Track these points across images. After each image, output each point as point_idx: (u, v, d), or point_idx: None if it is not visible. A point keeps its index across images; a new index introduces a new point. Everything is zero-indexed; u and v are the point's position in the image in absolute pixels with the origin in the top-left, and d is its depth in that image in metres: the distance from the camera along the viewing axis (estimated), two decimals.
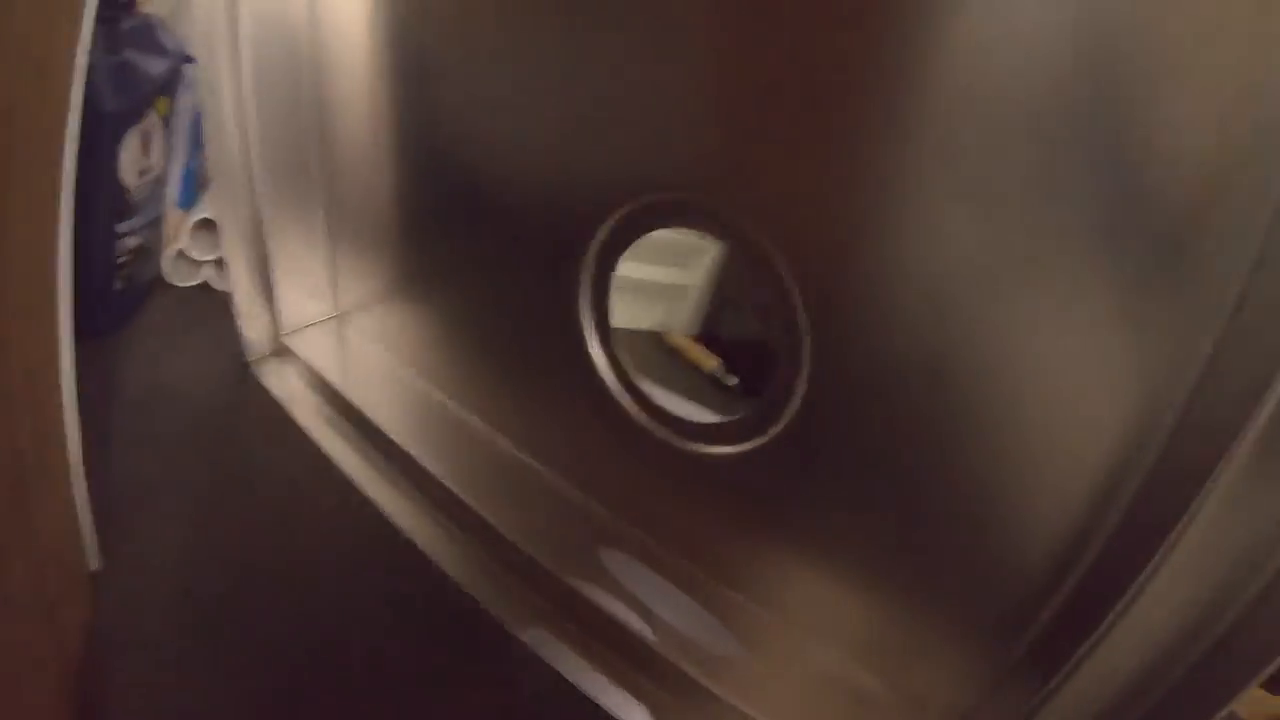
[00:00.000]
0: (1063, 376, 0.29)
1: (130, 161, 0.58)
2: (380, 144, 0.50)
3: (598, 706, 0.34)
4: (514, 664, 0.35)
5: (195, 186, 0.72)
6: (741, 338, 0.67)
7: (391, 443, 0.48)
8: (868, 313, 0.33)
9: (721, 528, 0.40)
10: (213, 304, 0.65)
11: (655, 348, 0.67)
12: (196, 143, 0.69)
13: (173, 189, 0.70)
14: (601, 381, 0.42)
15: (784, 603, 0.39)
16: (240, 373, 0.58)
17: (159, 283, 0.68)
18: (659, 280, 0.65)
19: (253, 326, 0.58)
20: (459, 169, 0.47)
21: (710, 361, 0.65)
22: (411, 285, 0.54)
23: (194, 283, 0.70)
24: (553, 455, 0.46)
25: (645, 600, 0.38)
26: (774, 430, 0.36)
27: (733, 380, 0.64)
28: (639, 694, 0.35)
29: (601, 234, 0.40)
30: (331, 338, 0.59)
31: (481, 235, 0.47)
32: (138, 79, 0.58)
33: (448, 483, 0.45)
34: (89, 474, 0.38)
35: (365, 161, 0.51)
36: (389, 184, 0.51)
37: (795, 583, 0.38)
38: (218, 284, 0.68)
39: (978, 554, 0.32)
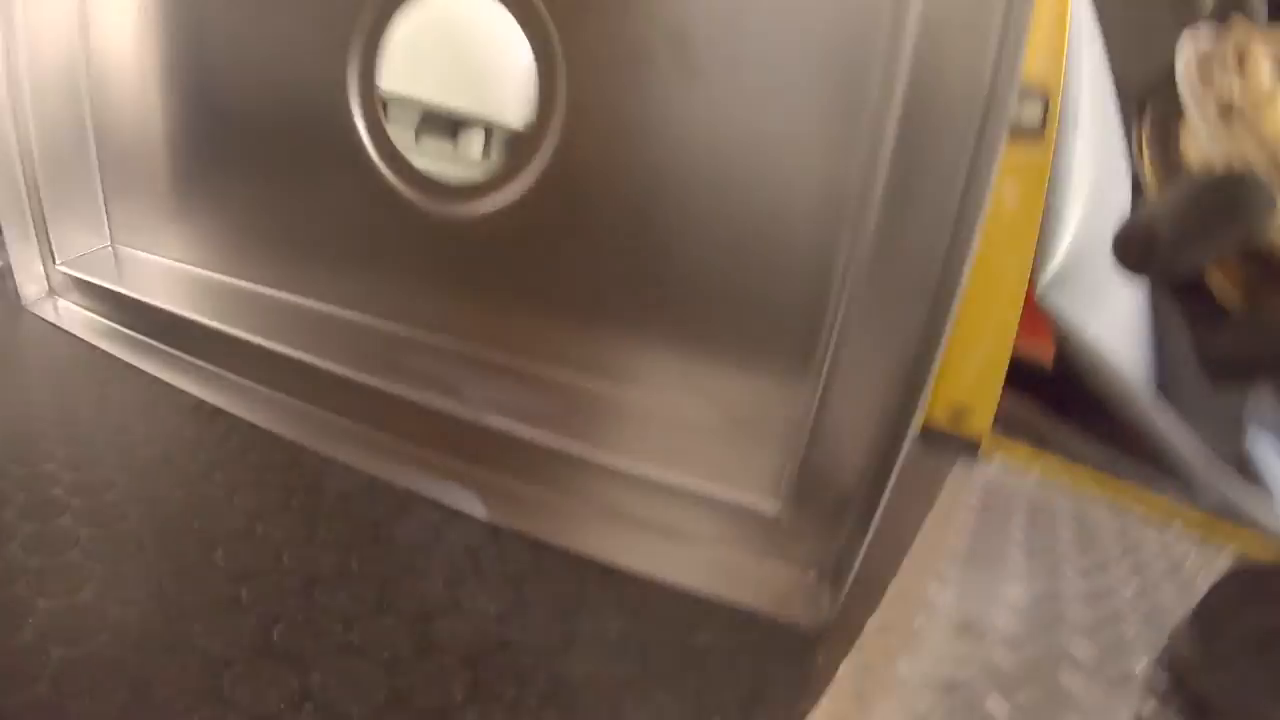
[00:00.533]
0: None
1: None
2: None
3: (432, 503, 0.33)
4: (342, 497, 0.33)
5: None
6: None
7: (191, 324, 0.45)
8: (621, 53, 0.33)
9: (507, 297, 0.38)
10: None
11: None
12: None
13: None
14: (372, 165, 0.40)
15: (583, 361, 0.38)
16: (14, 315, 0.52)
17: None
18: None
19: (26, 267, 0.53)
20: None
21: None
22: (187, 186, 0.51)
23: None
24: (347, 285, 0.44)
25: (455, 384, 0.36)
26: (528, 179, 0.36)
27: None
28: (463, 479, 0.34)
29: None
30: (109, 262, 0.55)
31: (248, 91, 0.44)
32: None
33: (252, 339, 0.42)
34: None
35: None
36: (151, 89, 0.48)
37: (587, 342, 0.37)
38: None
39: (747, 287, 0.33)
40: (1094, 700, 0.30)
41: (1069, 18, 0.58)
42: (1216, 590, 0.36)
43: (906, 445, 0.27)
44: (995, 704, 0.27)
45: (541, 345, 0.37)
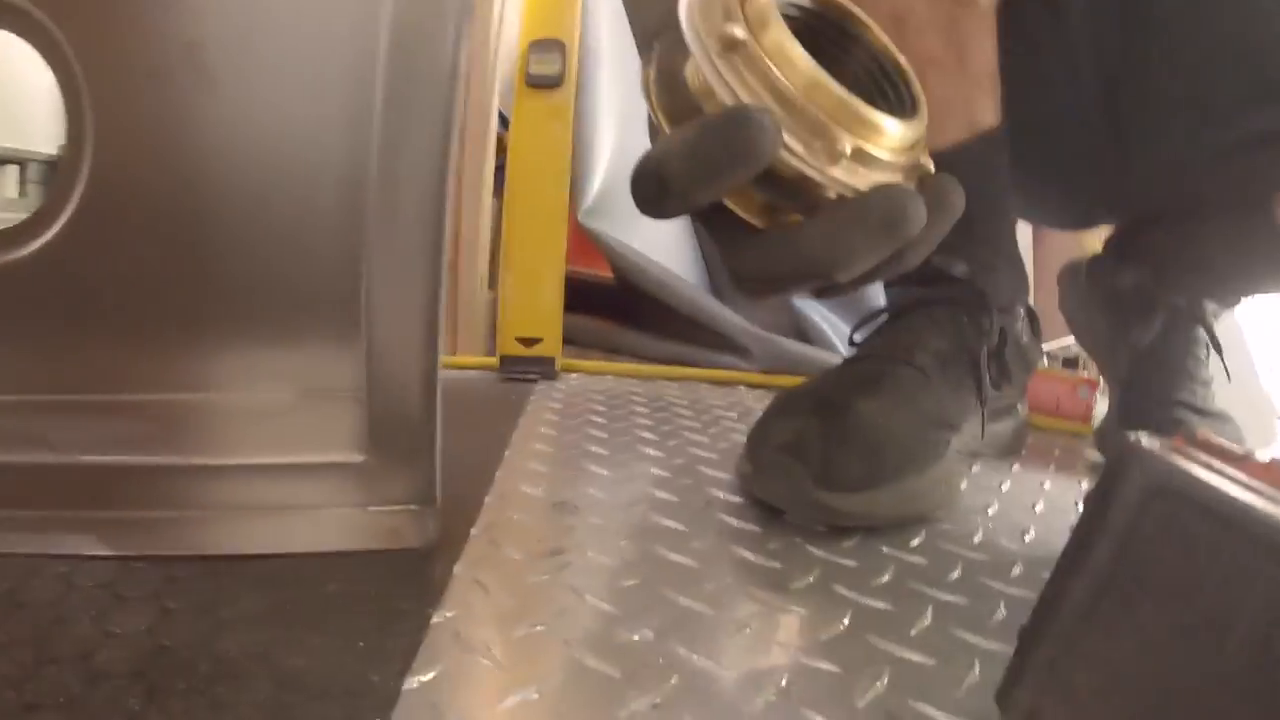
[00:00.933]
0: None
1: None
2: None
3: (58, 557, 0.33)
4: None
5: None
6: None
7: None
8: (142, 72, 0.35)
9: (73, 333, 0.38)
10: None
11: None
12: None
13: None
14: None
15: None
16: None
17: None
18: None
19: None
20: None
21: None
22: None
23: None
24: None
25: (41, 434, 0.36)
26: (69, 209, 0.36)
27: None
28: (74, 525, 0.35)
29: None
30: None
31: None
32: None
33: None
34: None
35: None
36: None
37: (161, 358, 0.39)
38: None
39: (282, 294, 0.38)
40: (681, 527, 0.41)
41: None
42: (763, 415, 0.47)
43: (438, 381, 0.35)
44: (595, 556, 0.37)
45: (118, 372, 0.38)
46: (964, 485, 0.52)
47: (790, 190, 0.29)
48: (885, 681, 0.29)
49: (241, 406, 0.38)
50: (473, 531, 0.38)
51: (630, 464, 0.52)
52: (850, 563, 0.39)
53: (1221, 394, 0.65)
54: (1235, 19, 0.56)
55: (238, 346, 0.39)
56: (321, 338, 0.38)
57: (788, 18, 0.28)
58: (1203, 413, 0.63)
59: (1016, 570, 0.40)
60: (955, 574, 0.39)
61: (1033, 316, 0.59)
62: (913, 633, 0.33)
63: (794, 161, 0.27)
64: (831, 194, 0.28)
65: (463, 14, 0.34)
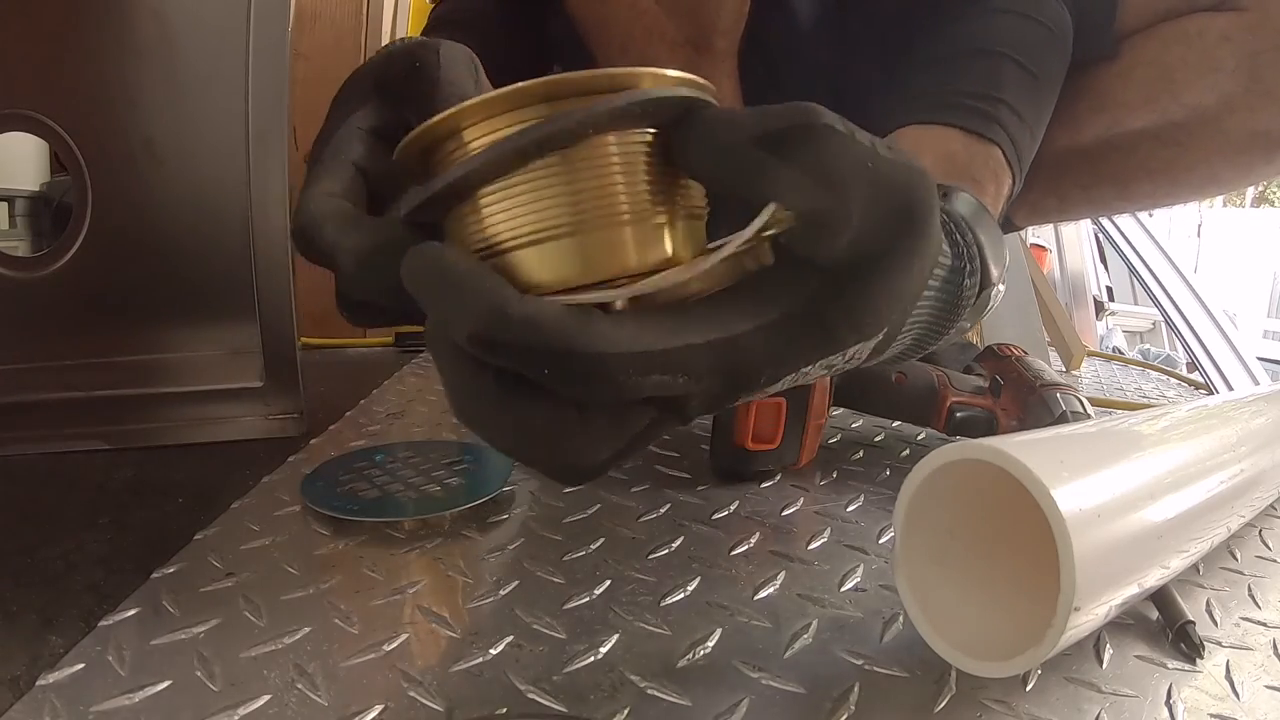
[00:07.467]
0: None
1: None
2: None
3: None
4: None
5: None
6: None
7: None
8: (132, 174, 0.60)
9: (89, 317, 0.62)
10: None
11: None
12: None
13: None
14: None
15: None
16: None
17: None
18: None
19: None
20: None
21: None
22: None
23: None
24: None
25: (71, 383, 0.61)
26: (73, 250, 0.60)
27: None
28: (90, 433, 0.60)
29: None
30: None
31: None
32: None
33: None
34: None
35: None
36: None
37: (145, 333, 0.63)
38: None
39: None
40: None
41: None
42: None
43: (297, 339, 0.59)
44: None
45: (114, 343, 0.63)
46: None
47: None
48: (783, 576, 0.45)
49: (192, 359, 0.63)
50: (331, 427, 0.63)
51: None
52: (765, 498, 0.51)
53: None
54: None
55: (189, 324, 0.64)
56: (235, 317, 0.63)
57: None
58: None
59: None
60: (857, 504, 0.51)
61: None
62: (810, 546, 0.44)
63: None
64: None
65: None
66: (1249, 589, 0.41)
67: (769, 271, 0.22)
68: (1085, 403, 0.56)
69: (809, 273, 0.21)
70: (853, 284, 0.21)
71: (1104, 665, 0.33)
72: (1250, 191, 5.46)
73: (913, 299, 0.23)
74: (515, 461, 0.49)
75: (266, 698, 0.29)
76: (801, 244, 0.21)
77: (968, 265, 0.32)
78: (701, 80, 0.22)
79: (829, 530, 0.46)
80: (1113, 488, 0.30)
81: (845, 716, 0.30)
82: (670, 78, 0.21)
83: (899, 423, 0.68)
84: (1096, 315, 1.97)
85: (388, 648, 0.33)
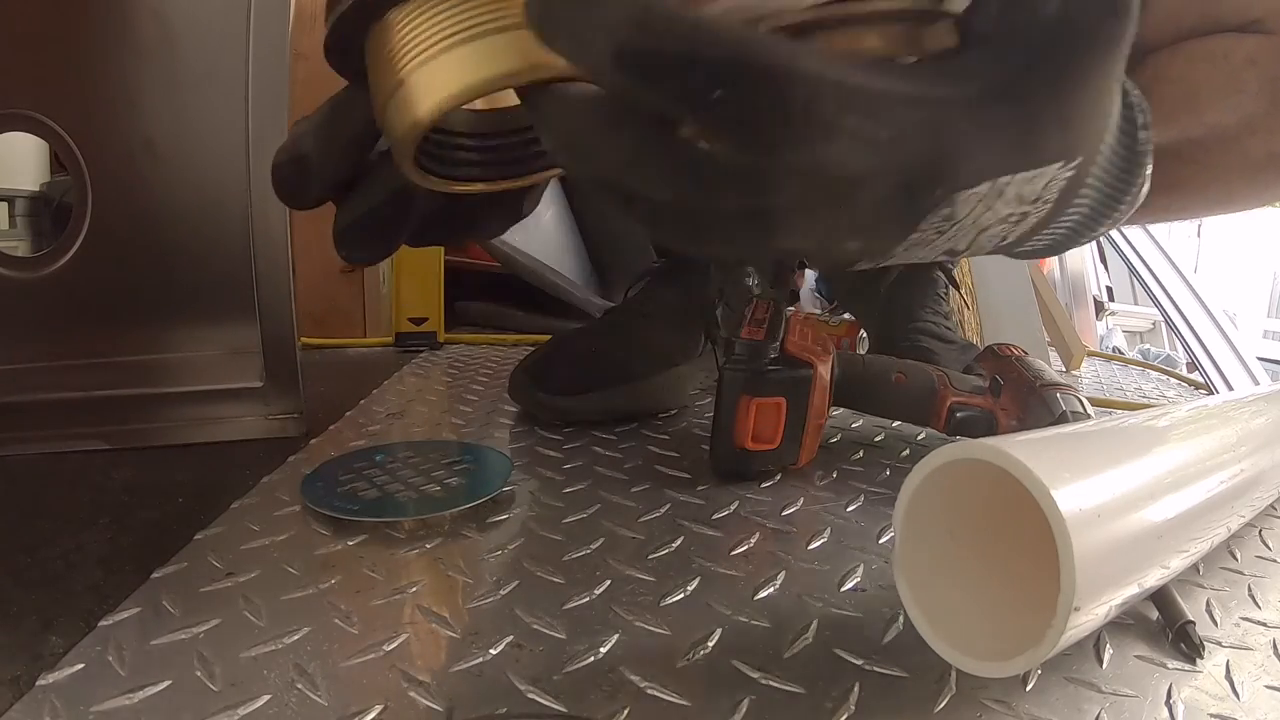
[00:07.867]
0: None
1: None
2: None
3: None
4: None
5: None
6: None
7: None
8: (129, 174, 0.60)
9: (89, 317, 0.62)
10: None
11: None
12: None
13: None
14: None
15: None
16: None
17: None
18: None
19: None
20: None
21: None
22: None
23: None
24: None
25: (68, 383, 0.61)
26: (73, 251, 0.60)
27: None
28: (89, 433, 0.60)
29: None
30: None
31: None
32: None
33: None
34: None
35: None
36: None
37: (147, 332, 0.63)
38: None
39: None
40: (465, 425, 0.65)
41: None
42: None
43: (297, 340, 0.59)
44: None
45: (113, 342, 0.63)
46: (691, 393, 0.75)
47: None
48: (783, 577, 0.43)
49: (192, 359, 0.63)
50: (331, 427, 0.63)
51: (448, 400, 0.76)
52: (765, 498, 0.51)
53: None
54: None
55: (189, 324, 0.64)
56: (235, 317, 0.62)
57: None
58: (944, 339, 0.79)
59: None
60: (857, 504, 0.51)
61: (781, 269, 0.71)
62: (810, 546, 0.44)
63: None
64: None
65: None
66: (1249, 589, 0.41)
67: (957, 53, 0.19)
68: (1085, 403, 0.56)
69: (1006, 51, 0.19)
70: (1057, 63, 0.19)
71: (1104, 665, 0.33)
72: None
73: (1106, 115, 0.21)
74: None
75: (266, 698, 0.29)
76: (1008, 7, 0.19)
77: (1140, 116, 0.27)
78: None
79: (829, 530, 0.46)
80: (1113, 488, 0.30)
81: (845, 716, 0.30)
82: None
83: (899, 423, 0.68)
84: (1096, 315, 1.97)
85: (388, 648, 0.33)
